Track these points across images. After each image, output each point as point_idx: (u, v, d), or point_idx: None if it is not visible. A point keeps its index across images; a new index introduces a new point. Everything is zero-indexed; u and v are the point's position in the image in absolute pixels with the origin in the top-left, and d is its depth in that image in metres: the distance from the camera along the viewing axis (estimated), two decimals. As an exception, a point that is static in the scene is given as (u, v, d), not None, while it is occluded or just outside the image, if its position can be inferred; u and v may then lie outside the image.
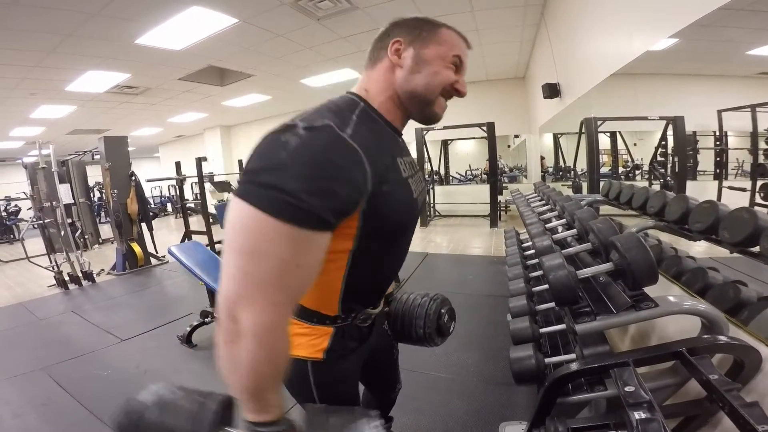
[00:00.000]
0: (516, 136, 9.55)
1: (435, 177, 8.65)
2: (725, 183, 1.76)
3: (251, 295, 0.54)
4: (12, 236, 9.64)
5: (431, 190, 8.00)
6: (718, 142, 1.79)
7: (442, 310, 1.03)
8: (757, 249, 1.14)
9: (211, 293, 2.92)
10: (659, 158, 2.38)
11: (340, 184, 0.57)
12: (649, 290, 0.99)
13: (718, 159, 1.82)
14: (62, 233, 4.93)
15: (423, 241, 6.14)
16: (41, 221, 5.12)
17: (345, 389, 0.87)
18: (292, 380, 0.82)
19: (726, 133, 1.73)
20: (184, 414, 0.60)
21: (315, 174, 0.55)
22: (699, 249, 1.68)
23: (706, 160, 1.96)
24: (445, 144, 9.58)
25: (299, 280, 0.58)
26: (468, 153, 10.68)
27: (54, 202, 4.99)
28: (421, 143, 7.14)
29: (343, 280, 0.73)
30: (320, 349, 0.80)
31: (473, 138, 8.86)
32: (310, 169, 0.54)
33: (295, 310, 0.79)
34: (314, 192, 0.54)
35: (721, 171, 1.81)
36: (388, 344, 1.08)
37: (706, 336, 0.88)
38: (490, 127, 6.63)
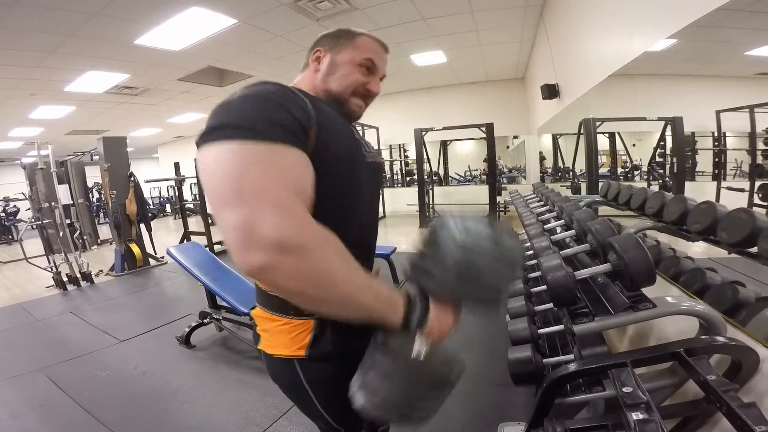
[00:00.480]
0: (515, 137, 9.56)
1: (434, 178, 8.64)
2: (723, 184, 1.77)
3: (256, 207, 0.51)
4: (10, 237, 9.62)
5: (430, 191, 7.99)
6: (716, 143, 1.79)
7: None
8: (755, 250, 1.14)
9: (210, 294, 2.91)
10: (658, 159, 2.39)
11: (288, 103, 0.62)
12: (647, 291, 0.99)
13: (716, 160, 1.82)
14: (61, 234, 4.93)
15: (422, 241, 6.13)
16: (40, 222, 5.12)
17: (345, 388, 0.72)
18: (283, 379, 0.80)
19: (724, 133, 1.73)
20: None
21: (263, 99, 0.60)
22: (697, 250, 1.69)
23: (704, 161, 1.96)
24: (444, 145, 9.59)
25: (293, 180, 0.57)
26: (467, 154, 10.69)
27: (53, 203, 4.99)
28: (420, 143, 7.14)
29: None
30: (302, 345, 0.74)
31: (472, 139, 8.87)
32: (258, 102, 0.60)
33: (271, 302, 0.77)
34: (268, 111, 0.59)
35: (719, 172, 1.81)
36: None
37: (704, 337, 0.88)
38: (489, 127, 6.63)
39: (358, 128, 6.32)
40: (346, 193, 0.74)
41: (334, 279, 0.55)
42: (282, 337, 0.76)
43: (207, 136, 0.57)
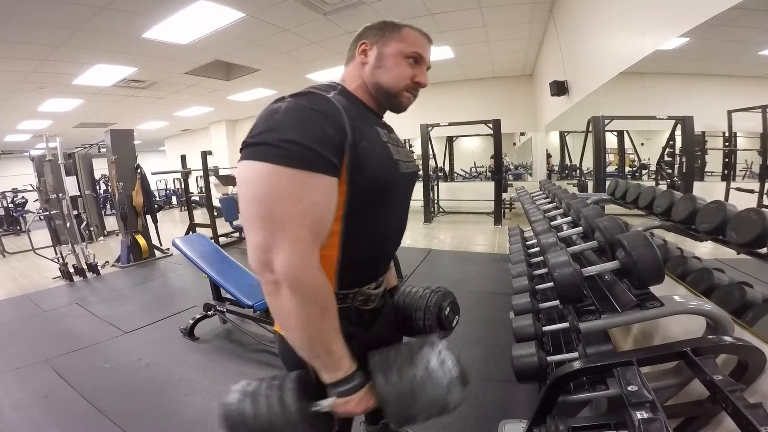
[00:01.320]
0: (522, 134, 9.50)
1: (439, 173, 8.61)
2: (733, 184, 1.74)
3: (277, 238, 0.61)
4: (18, 228, 9.72)
5: (435, 187, 7.97)
6: (727, 143, 1.76)
7: (443, 303, 1.01)
8: (764, 250, 1.12)
9: (215, 286, 2.93)
10: (666, 158, 2.36)
11: (329, 126, 0.65)
12: (653, 290, 0.98)
13: (726, 160, 1.79)
14: (68, 225, 4.98)
15: (426, 237, 6.14)
16: (47, 213, 5.17)
17: None
18: (293, 359, 0.79)
19: (735, 133, 1.71)
20: (272, 400, 0.65)
21: (306, 123, 0.64)
22: (704, 250, 1.67)
23: (714, 161, 1.94)
24: (450, 140, 9.55)
25: (316, 217, 0.64)
26: (473, 150, 10.65)
27: (60, 194, 5.03)
28: (426, 139, 7.12)
29: (339, 247, 0.75)
30: None
31: (478, 135, 8.83)
32: (301, 119, 0.64)
33: None
34: (311, 137, 0.63)
35: (729, 172, 1.78)
36: (397, 340, 1.05)
37: (711, 336, 0.88)
38: (496, 124, 6.59)
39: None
40: (377, 212, 0.79)
41: (298, 325, 0.64)
42: None
43: (250, 148, 0.63)
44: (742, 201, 1.32)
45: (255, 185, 0.62)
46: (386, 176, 0.78)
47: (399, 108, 0.89)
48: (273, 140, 0.62)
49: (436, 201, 8.02)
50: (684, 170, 2.13)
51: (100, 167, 7.46)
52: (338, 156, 0.66)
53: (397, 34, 0.84)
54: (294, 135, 0.62)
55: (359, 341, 0.83)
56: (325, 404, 0.66)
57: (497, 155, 6.81)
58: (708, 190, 1.91)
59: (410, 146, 9.93)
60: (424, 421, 0.67)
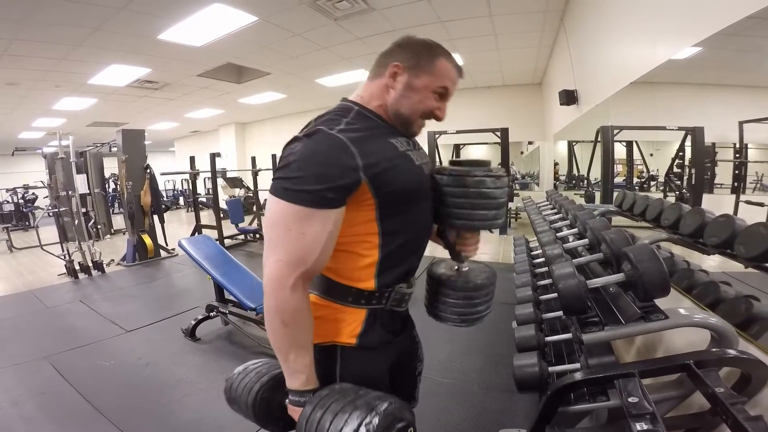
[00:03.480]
0: (529, 143, 9.47)
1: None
2: (742, 197, 1.72)
3: (267, 254, 0.73)
4: (27, 223, 9.87)
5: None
6: (737, 155, 1.74)
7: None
8: (773, 265, 1.10)
9: (218, 287, 2.94)
10: (676, 170, 2.33)
11: (328, 166, 0.71)
12: (658, 302, 0.97)
13: (736, 172, 1.77)
14: (76, 222, 5.04)
15: (431, 245, 6.11)
16: (56, 210, 5.24)
17: (368, 381, 0.80)
18: (317, 367, 0.79)
19: (746, 145, 1.69)
20: (247, 383, 0.83)
21: (308, 164, 0.71)
22: (712, 263, 1.64)
23: (723, 173, 1.91)
24: (457, 148, 9.53)
25: (304, 245, 0.71)
26: (480, 158, 10.61)
27: (70, 192, 5.10)
28: (433, 146, 7.12)
29: (378, 247, 0.81)
30: (354, 334, 0.83)
31: (486, 143, 8.80)
32: (305, 162, 0.71)
33: (331, 289, 0.84)
34: (309, 178, 0.70)
35: (738, 185, 1.76)
36: (414, 352, 1.05)
37: (714, 349, 0.86)
38: (504, 132, 6.58)
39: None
40: (411, 210, 0.84)
41: (267, 325, 0.75)
42: (336, 325, 0.84)
43: (275, 183, 0.74)
44: (751, 215, 1.30)
45: (268, 214, 0.75)
46: (413, 183, 0.83)
47: (413, 134, 0.91)
48: (283, 177, 0.72)
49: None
50: (693, 182, 2.11)
51: (111, 166, 7.58)
52: (341, 190, 0.72)
53: (431, 66, 0.84)
54: (295, 175, 0.71)
55: (388, 350, 0.90)
56: (287, 401, 0.76)
57: (504, 164, 6.79)
58: (717, 203, 1.88)
59: (418, 153, 9.90)
60: None
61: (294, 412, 0.74)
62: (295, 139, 0.76)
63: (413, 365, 1.07)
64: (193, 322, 2.96)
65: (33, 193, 10.53)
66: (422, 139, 7.19)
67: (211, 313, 2.98)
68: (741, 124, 1.64)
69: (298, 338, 0.73)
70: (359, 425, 0.62)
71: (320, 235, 0.72)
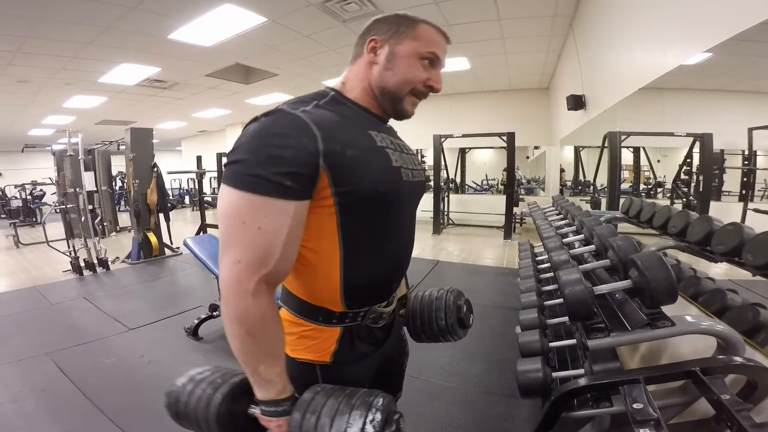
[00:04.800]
0: (536, 148, 9.45)
1: (450, 185, 8.59)
2: (750, 205, 1.70)
3: (222, 253, 0.63)
4: (34, 219, 9.97)
5: (446, 198, 7.94)
6: (746, 162, 1.73)
7: (460, 302, 0.99)
8: (782, 274, 1.09)
9: (222, 286, 2.95)
10: (683, 176, 2.32)
11: (285, 148, 0.61)
12: (665, 309, 0.96)
13: (744, 179, 1.75)
14: (82, 219, 5.07)
15: (435, 248, 6.11)
16: (63, 206, 5.28)
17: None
18: (301, 381, 0.77)
19: (755, 152, 1.67)
20: (203, 396, 0.69)
21: (261, 145, 0.62)
22: (718, 270, 1.63)
23: (731, 181, 1.90)
24: (462, 152, 9.54)
25: (263, 243, 0.62)
26: (485, 162, 10.62)
27: (77, 189, 5.14)
28: (438, 150, 7.12)
29: (340, 265, 0.72)
30: (328, 351, 0.77)
31: (492, 147, 8.80)
32: (257, 141, 0.62)
33: (301, 308, 0.77)
34: (262, 160, 0.61)
35: (747, 192, 1.74)
36: (402, 351, 1.04)
37: (721, 356, 0.86)
38: (510, 137, 6.57)
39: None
40: (380, 225, 0.75)
41: (229, 336, 0.64)
42: (307, 342, 0.77)
43: (226, 169, 0.64)
44: (759, 223, 1.28)
45: (219, 204, 0.64)
46: (384, 186, 0.71)
47: (404, 114, 0.81)
48: (231, 161, 0.63)
49: (445, 212, 7.99)
50: (700, 189, 2.09)
51: (118, 164, 7.63)
52: (301, 177, 0.63)
53: (413, 30, 0.76)
54: (247, 158, 0.61)
55: (370, 361, 0.83)
56: (255, 412, 0.68)
57: (510, 168, 6.78)
58: (725, 211, 1.86)
59: (422, 156, 9.95)
60: None
61: (269, 422, 0.67)
62: (252, 120, 0.67)
63: (401, 361, 1.06)
64: (196, 321, 2.96)
65: (41, 190, 10.64)
66: (428, 143, 7.22)
67: (215, 313, 2.99)
68: (750, 130, 1.63)
69: (267, 347, 0.65)
70: (364, 424, 0.59)
71: (280, 231, 0.63)
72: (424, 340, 1.01)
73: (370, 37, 0.77)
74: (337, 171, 0.65)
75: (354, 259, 0.72)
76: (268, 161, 0.61)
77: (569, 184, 7.45)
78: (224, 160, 0.68)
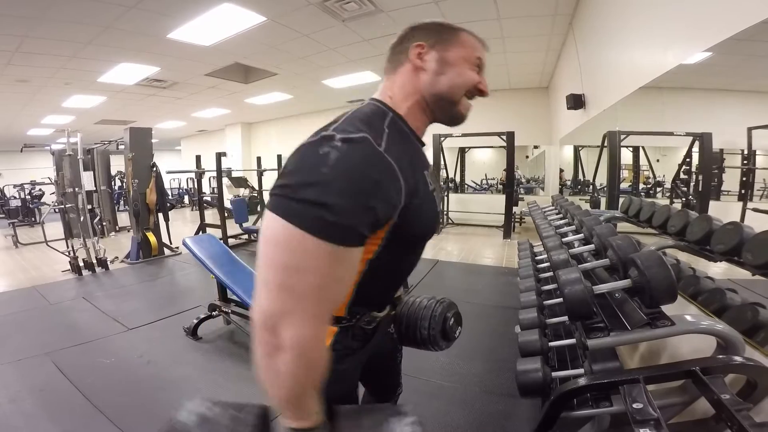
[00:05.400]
0: (535, 147, 9.44)
1: (450, 185, 8.59)
2: (750, 204, 1.70)
3: (292, 310, 0.55)
4: (33, 219, 9.94)
5: (445, 198, 7.94)
6: (745, 161, 1.73)
7: (448, 314, 1.01)
8: (782, 273, 1.09)
9: (221, 287, 2.95)
10: (682, 176, 2.32)
11: (378, 200, 0.57)
12: (665, 309, 0.96)
13: (744, 179, 1.75)
14: (81, 219, 5.06)
15: (434, 248, 6.10)
16: (62, 206, 5.27)
17: (342, 388, 0.84)
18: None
19: (755, 151, 1.67)
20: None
21: (354, 190, 0.55)
22: (718, 270, 1.63)
23: (730, 180, 1.90)
24: (462, 152, 9.53)
25: (337, 293, 0.61)
26: (485, 162, 10.61)
27: (76, 188, 5.13)
28: (438, 150, 7.12)
29: (355, 286, 0.71)
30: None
31: (491, 147, 8.79)
32: (349, 185, 0.54)
33: None
34: (354, 209, 0.55)
35: (746, 192, 1.75)
36: (392, 347, 1.06)
37: (720, 356, 0.86)
38: (510, 136, 6.57)
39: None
40: (405, 254, 0.76)
41: (283, 386, 0.59)
42: None
43: (283, 200, 0.56)
44: (759, 222, 1.28)
45: (280, 248, 0.56)
46: (429, 230, 0.74)
47: (460, 118, 0.79)
48: (312, 200, 0.54)
49: (445, 212, 7.99)
50: (700, 189, 2.09)
51: (117, 164, 7.62)
52: (377, 225, 0.60)
53: (456, 38, 0.75)
54: (338, 201, 0.53)
55: (358, 355, 0.85)
56: None
57: (509, 168, 6.78)
58: (724, 210, 1.87)
59: (422, 156, 9.90)
60: None
61: None
62: (324, 140, 0.57)
63: (393, 358, 1.08)
64: (195, 321, 2.96)
65: (40, 189, 10.61)
66: (427, 142, 7.17)
67: (214, 312, 2.98)
68: (750, 130, 1.63)
69: (318, 382, 0.62)
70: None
71: (350, 279, 0.62)
72: (407, 344, 1.04)
73: (415, 43, 0.75)
74: (402, 219, 0.63)
75: (370, 281, 0.72)
76: (363, 212, 0.55)
77: (569, 183, 7.46)
78: (276, 182, 0.59)
